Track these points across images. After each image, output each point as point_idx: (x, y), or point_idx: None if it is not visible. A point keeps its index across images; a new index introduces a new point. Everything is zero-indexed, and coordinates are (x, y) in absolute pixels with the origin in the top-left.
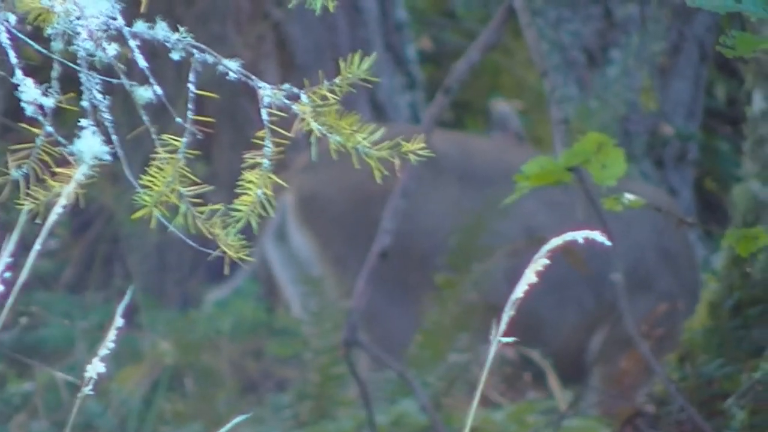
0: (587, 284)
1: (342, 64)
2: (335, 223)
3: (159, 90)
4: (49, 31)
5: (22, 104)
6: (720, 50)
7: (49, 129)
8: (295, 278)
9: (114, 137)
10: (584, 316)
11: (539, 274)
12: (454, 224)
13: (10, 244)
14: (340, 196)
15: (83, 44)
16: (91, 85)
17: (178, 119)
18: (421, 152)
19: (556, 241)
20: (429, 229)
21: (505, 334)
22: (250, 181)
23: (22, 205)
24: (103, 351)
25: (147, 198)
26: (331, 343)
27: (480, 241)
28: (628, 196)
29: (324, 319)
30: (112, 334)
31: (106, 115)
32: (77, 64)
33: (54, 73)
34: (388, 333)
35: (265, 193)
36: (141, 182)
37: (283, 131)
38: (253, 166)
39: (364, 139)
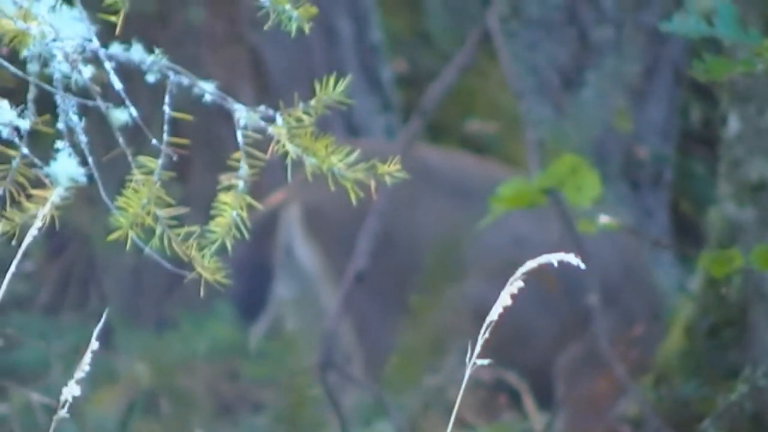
0: (560, 297)
1: (317, 86)
2: (338, 236)
3: (134, 112)
4: (24, 53)
5: None
6: (693, 74)
7: (25, 151)
8: (298, 294)
9: (89, 159)
10: (556, 329)
11: (514, 296)
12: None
13: None
14: (343, 208)
15: (59, 66)
16: (67, 107)
17: (154, 141)
18: (395, 174)
19: (530, 264)
20: (421, 244)
21: (481, 352)
22: (225, 203)
23: None
24: (79, 374)
25: (122, 220)
26: (306, 364)
27: (465, 254)
28: (603, 219)
29: (302, 339)
30: (87, 357)
31: (82, 137)
32: (53, 86)
33: (30, 95)
34: (378, 348)
35: (239, 215)
36: (116, 204)
37: (258, 153)
38: (228, 188)
39: (340, 161)
